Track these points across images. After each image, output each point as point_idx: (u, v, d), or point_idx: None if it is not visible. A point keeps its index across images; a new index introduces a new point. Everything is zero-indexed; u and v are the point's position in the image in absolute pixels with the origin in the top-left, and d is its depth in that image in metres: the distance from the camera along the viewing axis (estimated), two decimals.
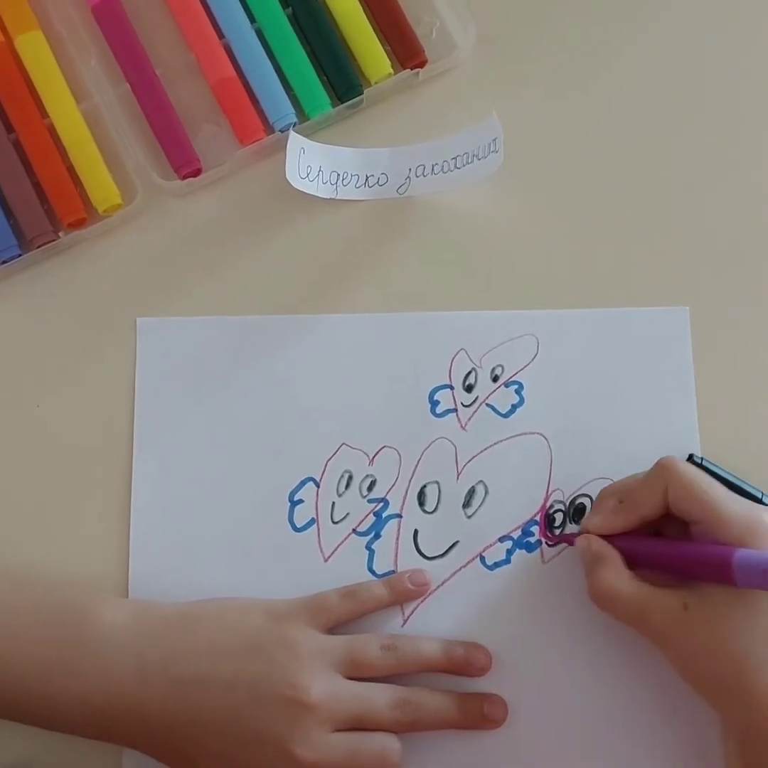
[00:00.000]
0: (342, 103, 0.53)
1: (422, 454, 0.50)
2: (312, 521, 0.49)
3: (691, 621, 0.43)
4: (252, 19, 0.53)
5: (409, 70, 0.53)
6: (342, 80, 0.53)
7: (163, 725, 0.43)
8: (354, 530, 0.49)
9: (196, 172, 0.52)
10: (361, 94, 0.53)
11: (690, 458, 0.49)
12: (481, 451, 0.50)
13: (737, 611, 0.42)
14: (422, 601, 0.48)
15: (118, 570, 0.48)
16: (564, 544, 0.49)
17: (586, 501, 0.49)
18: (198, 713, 0.43)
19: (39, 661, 0.43)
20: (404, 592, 0.48)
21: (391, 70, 0.53)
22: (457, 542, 0.49)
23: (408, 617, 0.48)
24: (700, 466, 0.49)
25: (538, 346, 0.51)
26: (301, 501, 0.49)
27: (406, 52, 0.53)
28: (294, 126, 0.52)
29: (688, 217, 0.53)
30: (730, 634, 0.42)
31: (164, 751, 0.44)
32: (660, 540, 0.46)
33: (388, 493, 0.50)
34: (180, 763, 0.44)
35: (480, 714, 0.46)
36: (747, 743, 0.42)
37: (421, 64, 0.53)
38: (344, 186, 0.52)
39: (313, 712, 0.43)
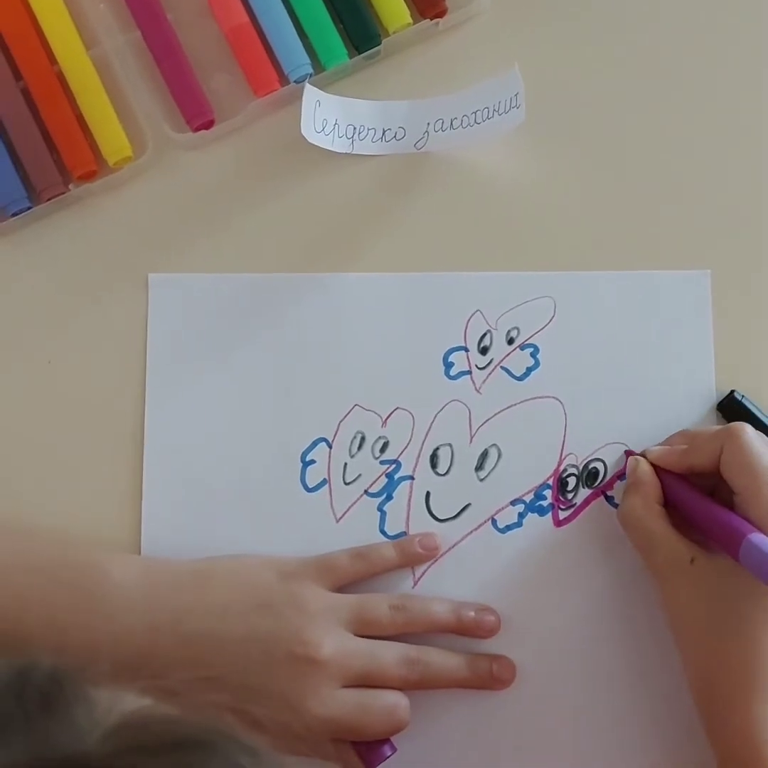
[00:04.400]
0: (359, 53, 0.51)
1: (435, 416, 0.50)
2: (324, 482, 0.49)
3: (692, 576, 0.43)
4: None
5: (428, 19, 0.52)
6: (359, 30, 0.51)
7: (174, 678, 0.44)
8: (366, 491, 0.49)
9: (209, 124, 0.51)
10: (379, 44, 0.51)
11: (731, 394, 0.49)
12: (495, 414, 0.50)
13: (737, 585, 0.42)
14: (433, 563, 0.48)
15: (130, 527, 0.48)
16: (576, 509, 0.49)
17: (600, 466, 0.49)
18: (208, 669, 0.44)
19: (50, 620, 0.44)
20: (414, 555, 0.48)
21: (410, 20, 0.52)
22: (469, 505, 0.49)
23: (419, 579, 0.48)
24: (740, 403, 0.48)
25: (555, 309, 0.50)
26: (313, 461, 0.49)
27: (426, 0, 0.52)
28: (309, 77, 0.51)
29: (713, 179, 0.52)
30: (721, 602, 0.43)
31: (174, 699, 0.45)
32: (696, 493, 0.45)
33: (400, 454, 0.49)
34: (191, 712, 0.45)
35: (488, 674, 0.47)
36: (703, 690, 0.44)
37: (441, 14, 0.52)
38: (360, 140, 0.51)
39: (323, 668, 0.44)
